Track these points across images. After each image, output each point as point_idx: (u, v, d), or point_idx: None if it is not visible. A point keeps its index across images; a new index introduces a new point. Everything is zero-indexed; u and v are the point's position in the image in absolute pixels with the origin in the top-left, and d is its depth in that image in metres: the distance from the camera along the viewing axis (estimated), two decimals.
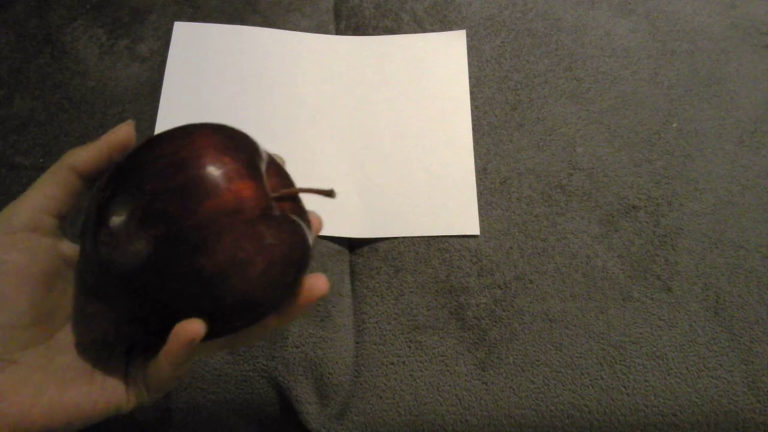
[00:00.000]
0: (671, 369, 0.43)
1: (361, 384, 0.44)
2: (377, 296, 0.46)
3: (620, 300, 0.46)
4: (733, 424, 0.42)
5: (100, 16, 0.56)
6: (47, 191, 0.24)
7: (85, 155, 0.24)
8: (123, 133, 0.25)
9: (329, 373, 0.43)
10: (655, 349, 0.44)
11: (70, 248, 0.25)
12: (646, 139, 0.52)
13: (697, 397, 0.43)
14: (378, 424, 0.42)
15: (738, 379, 0.43)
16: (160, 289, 0.23)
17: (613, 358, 0.44)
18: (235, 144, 0.25)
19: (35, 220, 0.23)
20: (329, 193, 0.27)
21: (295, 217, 0.26)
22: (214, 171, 0.23)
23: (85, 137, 0.50)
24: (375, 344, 0.45)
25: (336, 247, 0.48)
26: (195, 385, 0.42)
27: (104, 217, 0.23)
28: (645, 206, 0.49)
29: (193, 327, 0.22)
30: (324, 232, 0.48)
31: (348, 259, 0.49)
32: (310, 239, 0.27)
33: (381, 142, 0.52)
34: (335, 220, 0.48)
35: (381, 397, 0.43)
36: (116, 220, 0.22)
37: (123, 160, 0.24)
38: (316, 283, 0.26)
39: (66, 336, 0.25)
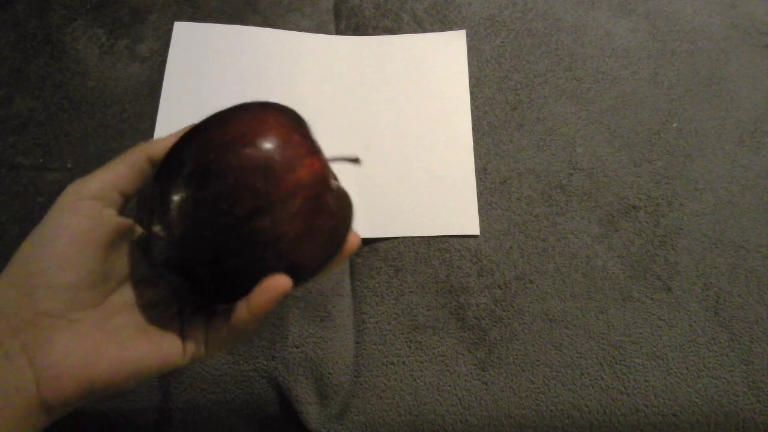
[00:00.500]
0: (671, 369, 0.43)
1: (361, 384, 0.44)
2: (377, 296, 0.46)
3: (620, 300, 0.46)
4: (733, 424, 0.42)
5: (100, 16, 0.56)
6: (119, 169, 0.25)
7: (161, 143, 0.26)
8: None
9: (329, 373, 0.43)
10: (655, 349, 0.44)
11: (127, 222, 0.27)
12: (646, 139, 0.52)
13: (697, 397, 0.43)
14: (378, 424, 0.42)
15: (738, 379, 0.43)
16: (238, 256, 0.24)
17: (613, 358, 0.44)
18: (297, 122, 0.28)
19: (102, 192, 0.24)
20: (356, 161, 0.31)
21: (339, 183, 0.29)
22: (287, 148, 0.25)
23: (85, 137, 0.50)
24: (375, 344, 0.45)
25: None
26: (195, 385, 0.42)
27: (186, 191, 0.24)
28: (645, 206, 0.49)
29: (282, 281, 0.24)
30: None
31: (348, 259, 0.49)
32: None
33: (381, 142, 0.52)
34: None
35: (381, 397, 0.43)
36: (199, 194, 0.24)
37: (191, 138, 0.26)
38: (354, 239, 0.29)
39: (120, 299, 0.26)
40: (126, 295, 0.27)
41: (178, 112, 0.51)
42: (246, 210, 0.24)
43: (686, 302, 0.45)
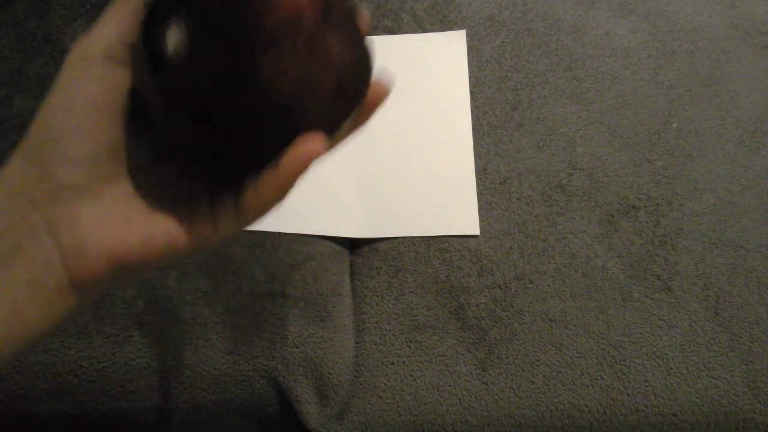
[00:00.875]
0: (671, 369, 0.43)
1: (361, 384, 0.44)
2: (377, 296, 0.46)
3: (620, 300, 0.46)
4: (733, 424, 0.42)
5: (100, 16, 0.56)
6: (120, 17, 0.22)
7: None
8: None
9: (329, 373, 0.43)
10: (655, 349, 0.44)
11: None
12: (646, 139, 0.52)
13: (697, 397, 0.43)
14: (378, 424, 0.42)
15: (738, 379, 0.43)
16: (244, 115, 0.22)
17: (613, 358, 0.44)
18: None
19: (111, 49, 0.22)
20: None
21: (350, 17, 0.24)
22: None
23: None
24: (375, 344, 0.45)
25: (336, 247, 0.48)
26: (195, 385, 0.42)
27: (163, 36, 0.21)
28: (645, 206, 0.49)
29: (316, 143, 0.22)
30: (324, 232, 0.48)
31: (348, 259, 0.49)
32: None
33: (381, 142, 0.52)
34: (335, 220, 0.48)
35: (381, 397, 0.43)
36: (179, 37, 0.21)
37: None
38: (380, 87, 0.25)
39: (145, 173, 0.24)
40: (150, 167, 0.24)
41: None
42: (281, 69, 0.21)
43: (686, 302, 0.45)
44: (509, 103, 0.53)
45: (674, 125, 0.52)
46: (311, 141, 0.22)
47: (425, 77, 0.54)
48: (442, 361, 0.44)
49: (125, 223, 0.22)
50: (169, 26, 0.21)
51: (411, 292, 0.46)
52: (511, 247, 0.47)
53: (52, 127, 0.21)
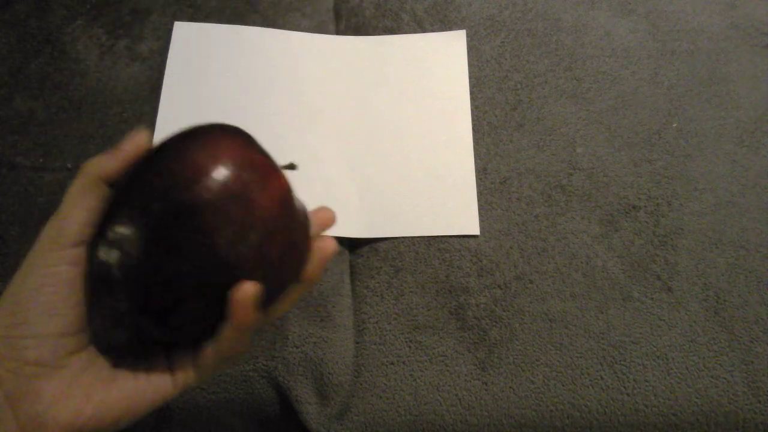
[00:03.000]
0: (671, 369, 0.43)
1: (361, 384, 0.44)
2: (377, 296, 0.46)
3: (620, 300, 0.46)
4: (733, 424, 0.42)
5: (100, 16, 0.56)
6: (86, 204, 0.24)
7: (112, 164, 0.25)
8: (140, 139, 0.26)
9: (329, 373, 0.43)
10: (655, 349, 0.44)
11: None
12: (646, 139, 0.52)
13: (697, 397, 0.43)
14: (378, 424, 0.42)
15: (738, 379, 0.43)
16: (218, 290, 0.24)
17: (613, 358, 0.44)
18: (248, 139, 0.27)
19: (81, 235, 0.24)
20: (292, 167, 0.30)
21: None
22: (253, 170, 0.25)
23: (85, 137, 0.50)
24: (375, 344, 0.45)
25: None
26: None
27: (157, 231, 0.23)
28: (645, 206, 0.49)
29: (249, 287, 0.24)
30: (324, 232, 0.48)
31: (348, 259, 0.49)
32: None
33: (381, 142, 0.52)
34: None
35: (381, 397, 0.43)
36: (173, 233, 0.23)
37: (146, 170, 0.24)
38: (325, 244, 0.29)
39: (105, 339, 0.26)
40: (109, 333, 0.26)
41: (178, 112, 0.51)
42: (228, 240, 0.23)
43: (686, 302, 0.45)
44: (509, 103, 0.53)
45: (674, 125, 0.52)
46: (244, 286, 0.24)
47: (425, 77, 0.54)
48: (442, 361, 0.44)
49: (85, 393, 0.23)
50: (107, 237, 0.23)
51: (411, 292, 0.46)
52: (511, 247, 0.47)
53: (23, 306, 0.22)
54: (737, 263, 0.47)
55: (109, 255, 0.23)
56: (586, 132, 0.52)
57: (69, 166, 0.49)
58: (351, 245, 0.49)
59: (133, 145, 0.25)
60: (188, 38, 0.55)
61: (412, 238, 0.48)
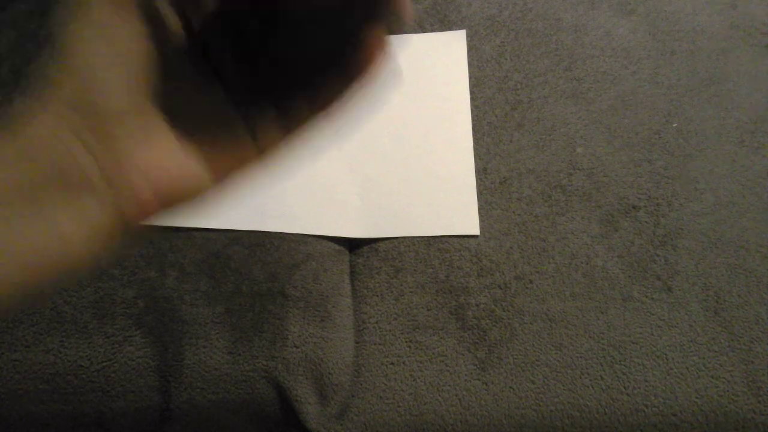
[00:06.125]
0: (671, 369, 0.43)
1: (361, 384, 0.44)
2: (377, 296, 0.46)
3: (620, 300, 0.46)
4: (733, 424, 0.42)
5: None
6: None
7: None
8: None
9: (329, 373, 0.43)
10: (655, 349, 0.44)
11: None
12: (646, 139, 0.52)
13: (697, 397, 0.43)
14: (378, 424, 0.42)
15: (738, 379, 0.43)
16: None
17: (613, 358, 0.44)
18: None
19: None
20: None
21: None
22: None
23: None
24: (375, 344, 0.45)
25: (336, 247, 0.48)
26: (195, 385, 0.42)
27: None
28: (645, 206, 0.49)
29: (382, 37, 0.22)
30: (324, 232, 0.48)
31: (348, 259, 0.49)
32: None
33: (381, 142, 0.51)
34: (335, 220, 0.48)
35: (381, 397, 0.43)
36: None
37: None
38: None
39: (189, 108, 0.24)
40: (181, 101, 0.24)
41: None
42: None
43: (686, 302, 0.45)
44: (509, 103, 0.53)
45: (674, 125, 0.52)
46: (380, 36, 0.21)
47: (425, 77, 0.54)
48: (442, 361, 0.44)
49: (168, 155, 0.22)
50: None
51: (411, 292, 0.46)
52: (511, 247, 0.47)
53: (93, 74, 0.21)
54: (737, 263, 0.47)
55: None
56: (586, 132, 0.52)
57: None
58: (351, 245, 0.49)
59: None
60: None
61: (412, 238, 0.48)
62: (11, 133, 0.20)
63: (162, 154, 0.22)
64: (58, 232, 0.20)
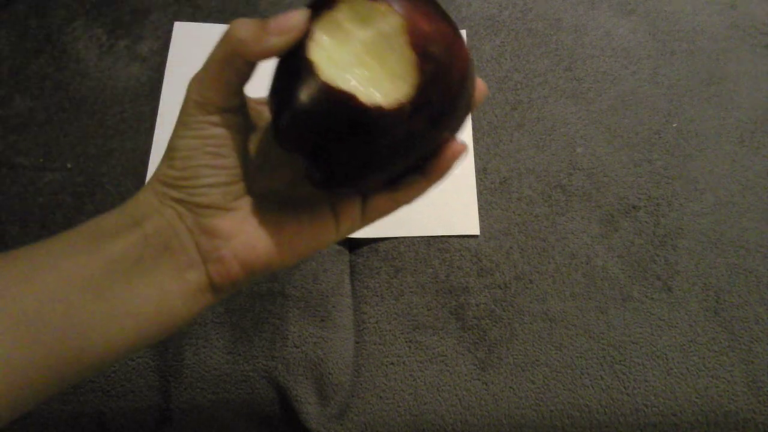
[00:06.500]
0: (671, 369, 0.43)
1: (361, 384, 0.44)
2: (377, 296, 0.46)
3: (620, 300, 0.46)
4: (733, 424, 0.42)
5: (100, 16, 0.56)
6: (226, 77, 0.25)
7: (258, 47, 0.25)
8: (299, 23, 0.24)
9: (329, 373, 0.43)
10: (655, 349, 0.44)
11: (258, 111, 0.29)
12: (646, 139, 0.52)
13: (697, 397, 0.43)
14: (378, 424, 0.42)
15: (738, 379, 0.43)
16: (397, 155, 0.24)
17: (613, 358, 0.44)
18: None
19: (225, 102, 0.25)
20: None
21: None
22: (448, 44, 0.23)
23: (85, 137, 0.50)
24: (375, 344, 0.45)
25: (336, 247, 0.48)
26: (195, 385, 0.42)
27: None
28: (645, 206, 0.49)
29: (460, 146, 0.26)
30: None
31: (348, 259, 0.49)
32: None
33: None
34: None
35: (381, 397, 0.43)
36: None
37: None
38: (481, 87, 0.27)
39: (269, 184, 0.28)
40: (269, 182, 0.28)
41: (178, 112, 0.51)
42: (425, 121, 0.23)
43: (686, 302, 0.45)
44: (509, 103, 0.53)
45: (674, 125, 0.52)
46: (459, 145, 0.26)
47: None
48: (442, 361, 0.44)
49: (255, 232, 0.26)
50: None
51: (411, 292, 0.46)
52: (511, 247, 0.47)
53: (190, 162, 0.25)
54: (737, 263, 0.47)
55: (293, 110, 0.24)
56: (586, 132, 0.52)
57: (69, 166, 0.49)
58: (351, 245, 0.49)
59: (290, 24, 0.25)
60: (188, 38, 0.55)
61: (412, 238, 0.48)
62: (126, 208, 0.25)
63: (249, 235, 0.26)
64: (163, 292, 0.24)
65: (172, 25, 0.55)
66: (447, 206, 0.49)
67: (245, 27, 0.25)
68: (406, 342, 0.45)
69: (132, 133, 0.51)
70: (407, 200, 0.28)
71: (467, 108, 0.26)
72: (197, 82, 0.26)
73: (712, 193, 0.49)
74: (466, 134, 0.51)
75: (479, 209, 0.49)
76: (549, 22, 0.57)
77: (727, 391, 0.43)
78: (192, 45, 0.54)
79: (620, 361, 0.44)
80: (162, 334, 0.25)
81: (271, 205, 0.27)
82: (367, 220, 0.29)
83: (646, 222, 0.48)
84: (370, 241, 0.48)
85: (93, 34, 0.55)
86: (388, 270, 0.47)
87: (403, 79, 0.23)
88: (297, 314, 0.45)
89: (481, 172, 0.50)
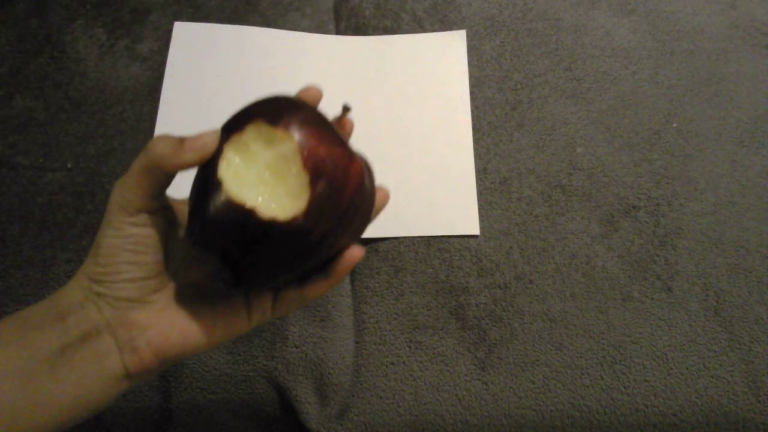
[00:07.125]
0: (671, 369, 0.43)
1: (361, 384, 0.44)
2: (377, 296, 0.46)
3: (620, 300, 0.46)
4: (733, 424, 0.42)
5: (100, 16, 0.56)
6: (146, 183, 0.28)
7: (174, 161, 0.27)
8: (210, 143, 0.28)
9: (329, 373, 0.43)
10: (655, 349, 0.44)
11: (179, 212, 0.31)
12: (646, 139, 0.52)
13: (697, 397, 0.43)
14: (378, 424, 0.42)
15: (738, 379, 0.43)
16: (301, 261, 0.28)
17: (613, 358, 0.44)
18: (323, 121, 0.28)
19: (144, 205, 0.28)
20: (346, 109, 0.32)
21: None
22: (336, 160, 0.27)
23: (85, 137, 0.50)
24: (375, 344, 0.45)
25: None
26: (195, 385, 0.43)
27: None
28: (645, 206, 0.49)
29: (358, 252, 0.29)
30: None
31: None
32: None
33: (381, 142, 0.52)
34: None
35: (381, 397, 0.43)
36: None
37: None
38: (353, 252, 0.30)
39: (185, 278, 0.30)
40: (190, 274, 0.31)
41: (178, 112, 0.51)
42: (318, 235, 0.26)
43: (686, 302, 0.45)
44: (509, 103, 0.53)
45: (674, 125, 0.52)
46: (356, 251, 0.29)
47: (425, 77, 0.54)
48: (442, 361, 0.44)
49: (170, 323, 0.28)
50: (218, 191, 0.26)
51: (411, 292, 0.46)
52: (511, 247, 0.47)
53: (111, 259, 0.27)
54: (737, 263, 0.47)
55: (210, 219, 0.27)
56: (586, 132, 0.52)
57: (69, 166, 0.49)
58: None
59: (203, 149, 0.27)
60: (188, 38, 0.55)
61: (412, 238, 0.48)
62: (54, 299, 0.28)
63: (164, 325, 0.28)
64: (83, 381, 0.26)
65: (172, 25, 0.55)
66: (447, 206, 0.49)
67: (163, 143, 0.27)
68: (406, 342, 0.45)
69: (132, 133, 0.51)
70: (313, 296, 0.31)
71: (365, 216, 0.29)
72: (120, 186, 0.28)
73: (712, 193, 0.49)
74: (466, 134, 0.51)
75: (479, 209, 0.49)
76: (549, 22, 0.57)
77: (727, 391, 0.43)
78: (192, 45, 0.54)
79: (620, 361, 0.44)
80: (83, 418, 0.27)
81: (192, 295, 0.29)
82: (277, 312, 0.31)
83: (646, 222, 0.48)
84: (370, 241, 0.48)
85: (93, 34, 0.55)
86: (388, 270, 0.47)
87: (298, 196, 0.26)
88: (297, 314, 0.45)
89: (481, 172, 0.50)
